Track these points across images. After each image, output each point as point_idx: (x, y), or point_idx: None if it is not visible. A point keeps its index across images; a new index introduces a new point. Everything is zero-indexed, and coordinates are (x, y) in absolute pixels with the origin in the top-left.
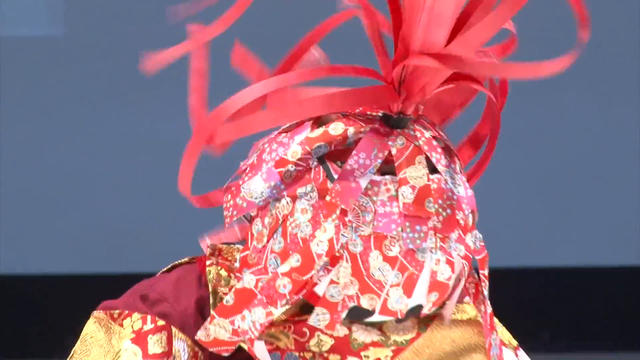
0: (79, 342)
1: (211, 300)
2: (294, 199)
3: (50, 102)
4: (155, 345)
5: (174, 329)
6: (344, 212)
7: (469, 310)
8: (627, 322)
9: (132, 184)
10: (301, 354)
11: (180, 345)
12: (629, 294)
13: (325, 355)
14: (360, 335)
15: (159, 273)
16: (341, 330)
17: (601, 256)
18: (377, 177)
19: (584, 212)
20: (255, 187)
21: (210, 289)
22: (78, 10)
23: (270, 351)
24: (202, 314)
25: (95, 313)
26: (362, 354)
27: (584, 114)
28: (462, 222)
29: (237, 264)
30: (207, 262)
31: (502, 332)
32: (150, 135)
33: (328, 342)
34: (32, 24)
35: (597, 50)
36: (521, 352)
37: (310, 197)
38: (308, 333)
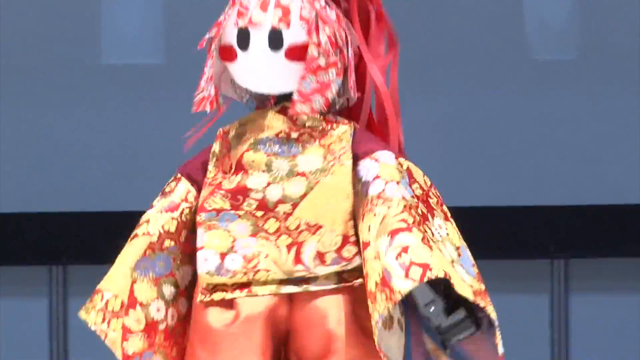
0: None
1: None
2: None
3: (151, 123)
4: (166, 187)
5: (180, 176)
6: None
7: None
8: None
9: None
10: (236, 212)
11: (182, 185)
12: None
13: (253, 212)
14: (272, 194)
15: None
16: (259, 194)
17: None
18: None
19: (497, 161)
20: None
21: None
22: (177, 42)
23: (208, 211)
24: (204, 164)
25: None
26: (276, 209)
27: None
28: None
29: None
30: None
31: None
32: None
33: (254, 203)
34: (137, 54)
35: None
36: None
37: None
38: (241, 197)
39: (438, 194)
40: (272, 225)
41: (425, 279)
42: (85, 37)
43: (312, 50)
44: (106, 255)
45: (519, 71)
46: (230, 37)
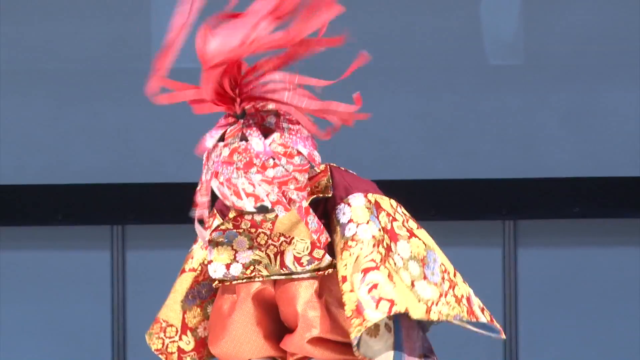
0: None
1: None
2: None
3: (187, 121)
4: (208, 221)
5: (215, 212)
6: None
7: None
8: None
9: None
10: (238, 231)
11: (216, 222)
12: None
13: (249, 229)
14: (257, 216)
15: None
16: (249, 215)
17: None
18: (218, 144)
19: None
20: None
21: None
22: None
23: (217, 231)
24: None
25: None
26: (262, 226)
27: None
28: (259, 163)
29: None
30: None
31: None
32: None
33: (248, 223)
34: (184, 59)
35: None
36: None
37: None
38: (239, 218)
39: (404, 212)
40: (262, 238)
41: (392, 312)
42: (140, 46)
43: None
44: (156, 217)
45: (476, 73)
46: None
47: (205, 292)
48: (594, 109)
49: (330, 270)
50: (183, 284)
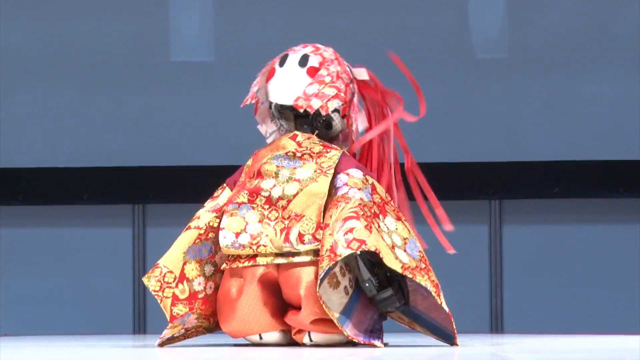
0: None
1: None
2: None
3: (206, 103)
4: (215, 192)
5: (225, 185)
6: None
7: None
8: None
9: None
10: (251, 205)
11: (225, 193)
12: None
13: (263, 206)
14: (275, 192)
15: None
16: (267, 192)
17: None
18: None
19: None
20: None
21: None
22: (225, 43)
23: (233, 204)
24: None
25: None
26: (277, 204)
27: None
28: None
29: None
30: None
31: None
32: None
33: (263, 199)
34: (195, 53)
35: None
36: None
37: None
38: (255, 195)
39: (396, 207)
40: (273, 214)
41: (360, 250)
42: (159, 41)
43: (322, 71)
44: (174, 197)
45: (465, 66)
46: (276, 61)
47: (206, 252)
48: (571, 98)
49: None
50: (187, 238)
